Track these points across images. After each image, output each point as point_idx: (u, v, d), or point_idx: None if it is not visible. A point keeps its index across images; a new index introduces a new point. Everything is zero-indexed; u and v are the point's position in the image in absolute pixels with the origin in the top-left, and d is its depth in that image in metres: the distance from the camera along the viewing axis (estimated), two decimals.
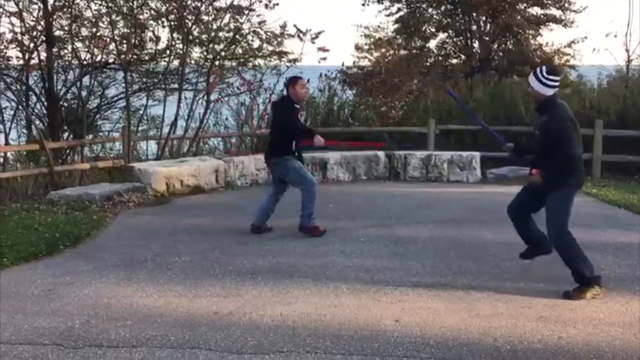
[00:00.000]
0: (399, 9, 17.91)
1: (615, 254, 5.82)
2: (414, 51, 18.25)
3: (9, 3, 11.78)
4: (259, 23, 11.90)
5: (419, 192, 9.22)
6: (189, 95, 12.09)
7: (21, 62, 11.44)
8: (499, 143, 5.30)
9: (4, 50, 11.19)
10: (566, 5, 17.19)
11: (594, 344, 3.79)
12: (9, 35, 11.17)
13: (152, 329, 3.95)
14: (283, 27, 12.09)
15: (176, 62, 12.25)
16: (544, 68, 4.70)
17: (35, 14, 11.45)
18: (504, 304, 4.43)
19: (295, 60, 12.35)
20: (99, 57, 11.70)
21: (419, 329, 3.98)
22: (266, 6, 11.56)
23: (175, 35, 11.85)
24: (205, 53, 12.05)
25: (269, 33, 12.15)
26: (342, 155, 10.59)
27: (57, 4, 11.33)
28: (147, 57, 12.31)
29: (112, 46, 11.37)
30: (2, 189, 9.26)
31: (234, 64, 12.61)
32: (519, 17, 17.00)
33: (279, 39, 12.23)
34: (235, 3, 11.42)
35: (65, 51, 11.84)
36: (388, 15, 18.08)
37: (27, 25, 11.24)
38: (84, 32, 11.94)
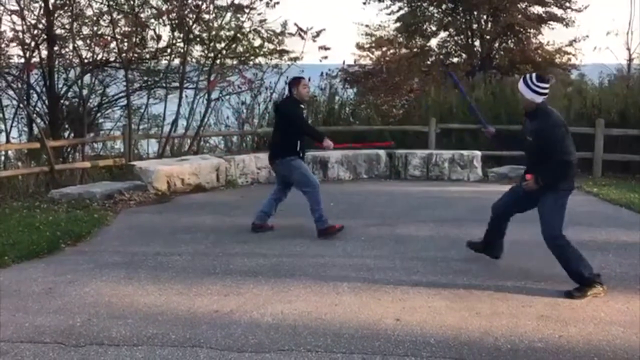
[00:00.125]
0: (400, 8, 17.90)
1: (616, 253, 5.82)
2: (415, 50, 18.25)
3: (10, 1, 11.82)
4: (260, 21, 11.88)
5: (420, 191, 9.22)
6: (189, 94, 12.08)
7: (22, 60, 11.44)
8: (481, 125, 5.46)
9: (5, 49, 11.19)
10: (567, 4, 17.18)
11: (594, 343, 3.79)
12: (10, 34, 11.17)
13: (153, 328, 3.96)
14: (284, 25, 12.08)
15: (177, 61, 12.25)
16: (533, 76, 4.77)
17: (36, 13, 11.45)
18: (505, 303, 4.43)
19: (296, 59, 12.34)
20: (100, 56, 11.70)
21: (420, 327, 3.98)
22: (267, 4, 11.54)
23: (176, 33, 11.84)
24: (206, 51, 12.05)
25: (270, 31, 12.14)
26: (343, 154, 10.59)
27: (58, 2, 11.32)
28: (148, 56, 12.29)
29: (113, 44, 11.36)
30: (3, 187, 9.27)
31: (235, 62, 12.59)
32: (520, 16, 16.99)
33: (279, 38, 12.21)
34: (236, 2, 11.40)
35: (66, 49, 11.84)
36: (389, 14, 18.08)
37: (28, 23, 11.24)
38: (85, 30, 11.93)
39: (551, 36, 26.70)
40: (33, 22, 11.36)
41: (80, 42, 11.66)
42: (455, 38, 18.31)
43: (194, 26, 11.47)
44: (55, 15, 11.43)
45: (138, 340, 3.78)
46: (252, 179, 9.90)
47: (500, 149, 5.18)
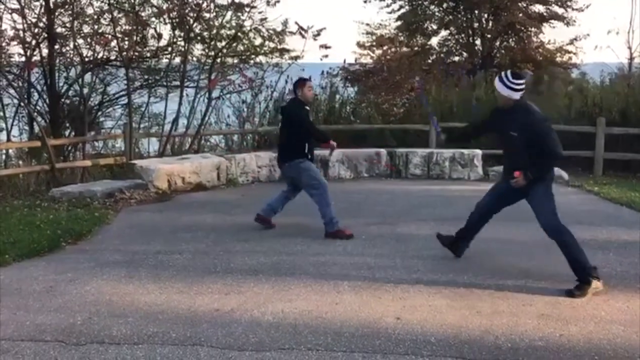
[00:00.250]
0: (400, 6, 17.90)
1: (617, 251, 5.82)
2: (416, 48, 18.24)
3: (11, 0, 11.79)
4: (261, 20, 11.88)
5: (421, 190, 9.22)
6: (190, 93, 12.09)
7: (23, 59, 11.44)
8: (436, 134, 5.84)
9: (6, 47, 11.20)
10: (568, 2, 17.17)
11: (595, 341, 3.79)
12: (10, 32, 11.19)
13: (154, 326, 3.96)
14: (285, 24, 12.07)
15: (178, 59, 12.25)
16: (508, 74, 4.92)
17: (37, 11, 11.46)
18: (505, 302, 4.43)
19: (297, 58, 12.33)
20: (100, 54, 11.71)
21: (420, 326, 3.98)
22: (267, 3, 11.54)
23: (176, 32, 11.84)
24: (207, 50, 12.05)
25: (270, 30, 12.14)
26: (344, 153, 10.58)
27: (58, 1, 11.32)
28: (148, 54, 12.29)
29: (113, 43, 11.36)
30: (4, 186, 9.28)
31: (235, 61, 12.59)
32: (521, 15, 16.98)
33: (280, 36, 12.21)
34: (236, 0, 11.40)
35: (67, 48, 11.84)
36: (390, 13, 18.07)
37: (29, 21, 11.25)
38: (86, 29, 11.94)
39: (552, 35, 26.67)
40: (34, 20, 11.37)
41: (80, 41, 11.67)
42: (456, 37, 18.30)
43: (194, 25, 11.47)
44: (56, 13, 11.43)
45: (139, 338, 3.78)
46: (252, 178, 9.90)
47: (458, 143, 5.80)
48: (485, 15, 17.50)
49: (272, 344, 3.70)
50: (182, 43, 11.78)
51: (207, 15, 11.61)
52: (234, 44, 12.21)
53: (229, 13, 11.74)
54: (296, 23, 12.07)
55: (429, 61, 17.98)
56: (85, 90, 11.94)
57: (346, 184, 9.96)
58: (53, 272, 5.10)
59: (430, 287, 4.74)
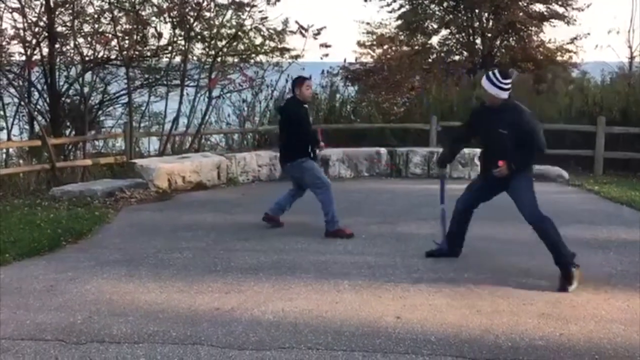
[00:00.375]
0: (401, 5, 17.91)
1: (617, 251, 5.82)
2: (416, 47, 18.24)
3: None
4: (261, 19, 11.89)
5: (421, 189, 9.21)
6: (191, 92, 12.10)
7: (23, 58, 11.45)
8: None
9: (6, 46, 11.21)
10: (569, 1, 17.17)
11: (595, 341, 3.78)
12: (11, 31, 11.20)
13: (154, 325, 3.96)
14: (285, 23, 12.07)
15: (178, 59, 12.25)
16: (497, 73, 4.98)
17: (37, 10, 11.47)
18: (505, 301, 4.43)
19: (297, 57, 12.33)
20: (101, 53, 11.72)
21: (421, 325, 3.98)
22: (268, 2, 11.54)
23: (177, 31, 11.84)
24: (207, 49, 12.05)
25: (271, 29, 12.14)
26: (344, 152, 10.59)
27: (59, 0, 11.33)
28: (149, 54, 12.30)
29: (114, 42, 11.37)
30: (4, 185, 9.29)
31: (236, 60, 12.60)
32: (521, 14, 16.98)
33: (280, 36, 12.21)
34: None
35: (68, 47, 11.85)
36: (390, 12, 18.08)
37: (29, 21, 11.25)
38: (86, 28, 11.96)
39: (552, 34, 26.67)
40: (34, 19, 11.37)
41: (81, 40, 11.68)
42: (457, 36, 18.31)
43: (195, 24, 11.48)
44: (57, 12, 11.44)
45: (139, 337, 3.78)
46: (253, 177, 9.90)
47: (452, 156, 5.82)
48: (486, 14, 17.51)
49: (273, 343, 3.70)
50: (183, 42, 11.79)
51: (207, 14, 11.62)
52: (235, 43, 12.21)
53: (230, 12, 11.75)
54: (296, 22, 12.09)
55: (430, 60, 17.99)
56: (86, 90, 11.95)
57: (346, 183, 9.96)
58: (53, 271, 5.10)
59: (430, 286, 4.74)
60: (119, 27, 11.37)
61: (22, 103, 11.58)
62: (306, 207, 6.62)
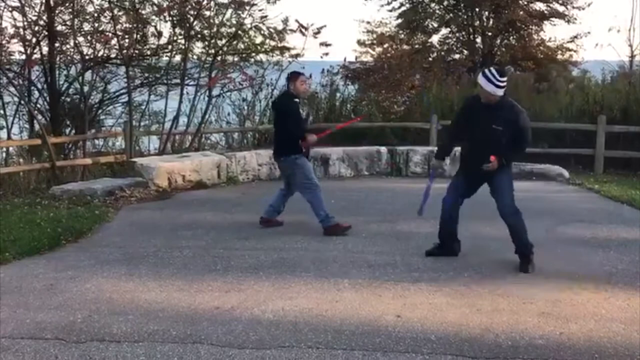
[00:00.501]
0: (401, 4, 17.90)
1: (618, 249, 5.81)
2: (417, 46, 18.23)
3: None
4: (261, 18, 11.88)
5: (421, 188, 9.11)
6: (190, 91, 12.10)
7: (23, 56, 11.45)
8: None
9: (6, 45, 11.20)
10: (569, 0, 17.16)
11: (595, 339, 3.78)
12: (11, 30, 11.20)
13: (154, 324, 3.96)
14: (285, 22, 12.06)
15: (178, 58, 12.25)
16: (493, 71, 5.04)
17: (37, 9, 11.46)
18: (506, 300, 4.42)
19: (297, 56, 12.33)
20: (101, 52, 11.71)
21: (421, 324, 3.98)
22: (268, 1, 11.56)
23: (177, 30, 11.85)
24: (207, 48, 12.04)
25: (271, 28, 12.13)
26: (344, 150, 10.58)
27: None
28: (149, 52, 12.30)
29: (114, 41, 11.36)
30: (4, 184, 9.28)
31: (236, 59, 12.59)
32: (521, 13, 16.97)
33: (281, 34, 12.20)
34: None
35: (67, 46, 11.85)
36: (390, 11, 18.08)
37: (29, 19, 11.25)
38: (86, 27, 11.95)
39: (553, 33, 26.67)
40: (34, 18, 11.37)
41: (81, 39, 11.68)
42: (457, 34, 18.31)
43: (194, 23, 11.47)
44: (56, 11, 11.43)
45: (139, 336, 3.78)
46: (253, 176, 9.89)
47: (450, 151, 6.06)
48: (486, 13, 17.50)
49: (273, 342, 3.70)
50: (183, 41, 11.79)
51: (207, 13, 11.62)
52: (235, 42, 12.21)
53: (229, 11, 11.74)
54: (296, 21, 12.11)
55: (430, 59, 17.98)
56: (86, 88, 11.93)
57: (346, 182, 9.96)
58: (53, 270, 5.09)
59: (430, 285, 4.74)
60: (119, 26, 11.36)
61: (22, 102, 11.57)
62: (306, 206, 6.60)
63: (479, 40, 17.85)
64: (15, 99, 11.77)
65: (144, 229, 6.55)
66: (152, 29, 11.99)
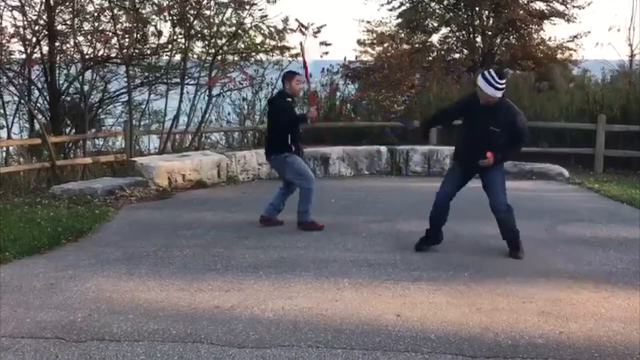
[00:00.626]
0: (401, 4, 17.90)
1: (618, 249, 5.81)
2: (417, 46, 18.23)
3: None
4: (261, 17, 11.88)
5: (421, 187, 9.19)
6: (191, 90, 12.10)
7: (23, 56, 11.45)
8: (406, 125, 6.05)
9: (6, 45, 11.20)
10: (569, 0, 17.16)
11: (595, 339, 3.79)
12: (11, 30, 11.20)
13: (154, 323, 3.96)
14: (285, 21, 12.06)
15: (178, 57, 12.25)
16: (493, 73, 5.12)
17: (37, 8, 11.46)
18: (505, 299, 4.43)
19: (297, 55, 12.30)
20: (101, 52, 11.71)
21: (420, 323, 3.98)
22: (268, 0, 11.55)
23: (177, 29, 11.85)
24: (207, 47, 12.04)
25: (271, 27, 12.13)
26: (344, 150, 10.59)
27: None
28: (149, 52, 12.30)
29: (114, 40, 11.36)
30: (4, 183, 9.28)
31: (236, 58, 12.59)
32: (521, 12, 16.96)
33: (281, 34, 12.20)
34: None
35: (67, 45, 11.85)
36: (390, 10, 18.08)
37: (29, 19, 11.25)
38: (86, 26, 11.94)
39: (553, 32, 26.65)
40: (34, 17, 11.37)
41: (81, 38, 11.68)
42: (457, 34, 18.31)
43: (195, 22, 11.47)
44: (56, 11, 11.44)
45: (139, 335, 3.78)
46: (253, 175, 9.89)
47: (428, 128, 6.79)
48: (486, 12, 17.50)
49: (273, 341, 3.71)
50: (183, 40, 11.79)
51: (207, 12, 11.62)
52: (235, 42, 12.21)
53: (229, 10, 11.74)
54: (296, 20, 12.11)
55: (430, 58, 17.97)
56: (86, 88, 11.94)
57: (346, 181, 9.96)
58: (53, 269, 5.10)
59: (430, 284, 4.74)
60: (119, 26, 11.36)
61: (22, 101, 11.57)
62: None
63: (479, 39, 17.85)
64: (16, 98, 11.77)
65: (144, 229, 6.56)
66: (152, 29, 12.02)
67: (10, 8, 11.17)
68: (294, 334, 3.80)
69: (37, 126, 11.51)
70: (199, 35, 11.94)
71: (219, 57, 11.93)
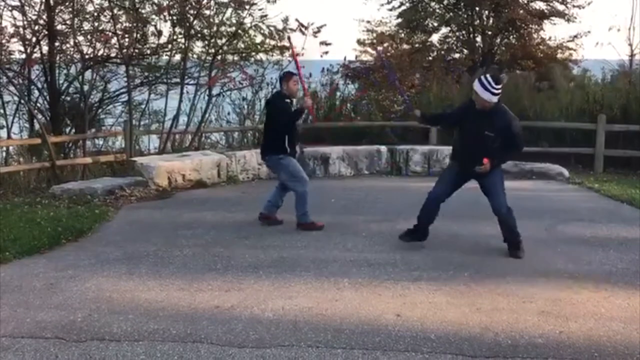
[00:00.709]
0: (401, 3, 17.88)
1: (618, 249, 5.82)
2: (417, 45, 18.22)
3: None
4: (261, 17, 11.87)
5: (421, 187, 9.14)
6: (190, 90, 12.09)
7: (23, 56, 11.44)
8: (406, 108, 6.40)
9: (6, 44, 11.19)
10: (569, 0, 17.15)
11: (595, 338, 3.79)
12: (10, 29, 11.18)
13: (154, 323, 3.96)
14: (285, 21, 12.05)
15: (178, 57, 12.24)
16: (489, 79, 5.19)
17: (37, 8, 11.44)
18: (505, 299, 4.43)
19: (297, 55, 12.29)
20: (101, 52, 11.69)
21: (420, 323, 3.99)
22: (268, 0, 11.54)
23: (177, 29, 11.84)
24: (207, 47, 12.04)
25: (271, 27, 12.12)
26: (344, 150, 10.59)
27: None
28: (149, 52, 12.28)
29: (114, 40, 11.35)
30: (4, 183, 9.28)
31: (236, 58, 12.58)
32: (521, 12, 16.95)
33: (281, 34, 12.19)
34: None
35: (67, 45, 11.83)
36: (390, 10, 18.06)
37: (29, 19, 11.24)
38: (86, 26, 11.93)
39: (553, 31, 26.65)
40: (34, 17, 11.36)
41: (81, 38, 11.67)
42: (457, 33, 18.29)
43: (194, 22, 11.46)
44: (56, 10, 11.42)
45: (139, 335, 3.79)
46: (253, 175, 9.90)
47: (426, 125, 7.15)
48: (486, 12, 17.48)
49: (272, 341, 3.71)
50: (183, 40, 11.78)
51: (207, 12, 11.61)
52: (235, 41, 12.20)
53: (229, 10, 11.72)
54: (296, 20, 12.09)
55: (430, 58, 17.96)
56: (86, 88, 11.93)
57: (346, 181, 9.96)
58: (53, 269, 5.10)
59: (430, 284, 4.74)
60: (118, 25, 11.35)
61: (22, 101, 11.56)
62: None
63: (479, 39, 17.83)
64: (15, 98, 11.76)
65: (144, 228, 6.56)
66: (152, 28, 12.00)
67: (10, 8, 11.17)
68: (294, 334, 3.80)
69: (37, 126, 11.50)
70: (199, 35, 11.93)
71: (219, 57, 11.93)
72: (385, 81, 14.09)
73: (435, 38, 18.49)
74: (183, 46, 11.77)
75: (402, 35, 18.48)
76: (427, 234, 5.80)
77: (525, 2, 17.40)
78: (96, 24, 11.71)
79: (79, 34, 11.59)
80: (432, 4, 17.97)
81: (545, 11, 17.40)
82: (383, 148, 10.82)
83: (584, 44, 24.30)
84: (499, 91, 5.19)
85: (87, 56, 11.58)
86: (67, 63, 12.00)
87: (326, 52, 12.40)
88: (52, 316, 4.07)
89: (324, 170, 10.33)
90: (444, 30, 18.28)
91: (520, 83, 13.20)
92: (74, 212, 7.15)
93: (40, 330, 3.85)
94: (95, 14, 11.62)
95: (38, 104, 12.01)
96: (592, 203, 8.12)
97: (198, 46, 12.32)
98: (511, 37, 17.80)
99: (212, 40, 11.83)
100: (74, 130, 12.13)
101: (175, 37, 11.95)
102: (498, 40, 17.90)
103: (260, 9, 11.72)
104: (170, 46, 12.14)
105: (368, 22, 19.15)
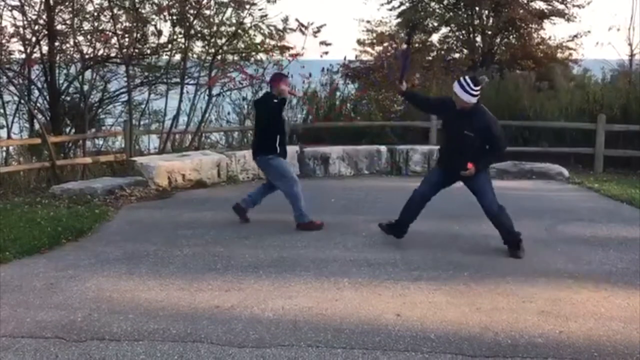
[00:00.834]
0: (401, 3, 17.89)
1: (617, 248, 5.82)
2: (417, 45, 18.21)
3: None
4: (261, 17, 11.88)
5: None
6: (190, 90, 12.09)
7: (23, 56, 11.44)
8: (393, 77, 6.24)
9: (6, 44, 11.20)
10: None
11: (595, 338, 3.79)
12: (10, 29, 11.19)
13: (154, 323, 3.96)
14: (285, 21, 12.06)
15: (178, 57, 12.24)
16: (468, 80, 5.32)
17: (36, 8, 11.45)
18: (505, 299, 4.43)
19: (297, 55, 12.32)
20: (100, 51, 11.70)
21: (420, 323, 3.99)
22: (268, 0, 11.55)
23: (177, 29, 11.84)
24: (207, 47, 12.04)
25: (271, 27, 12.13)
26: (344, 149, 10.59)
27: None
28: (149, 51, 12.29)
29: (114, 40, 11.36)
30: (4, 183, 9.29)
31: (236, 58, 12.59)
32: (521, 11, 16.95)
33: (280, 34, 12.20)
34: None
35: (67, 45, 11.84)
36: (390, 10, 18.07)
37: (29, 19, 11.24)
38: (86, 26, 11.94)
39: (553, 31, 26.65)
40: (34, 17, 11.36)
41: (81, 38, 11.68)
42: (457, 33, 18.29)
43: (194, 22, 11.47)
44: (56, 10, 11.43)
45: (139, 335, 3.79)
46: (253, 175, 9.89)
47: (404, 98, 7.10)
48: (486, 12, 17.48)
49: (272, 341, 3.71)
50: (183, 40, 11.79)
51: (207, 12, 11.61)
52: (234, 41, 12.20)
53: (229, 10, 11.74)
54: (296, 20, 12.09)
55: (430, 58, 17.96)
56: (86, 88, 11.93)
57: (346, 180, 9.96)
58: (53, 269, 5.10)
59: (430, 283, 4.75)
60: (118, 25, 11.36)
61: (22, 101, 11.57)
62: (305, 205, 6.61)
63: (478, 39, 17.83)
64: (15, 98, 11.77)
65: (144, 228, 6.56)
66: (152, 28, 12.01)
67: (10, 8, 11.18)
68: (293, 334, 3.81)
69: (37, 126, 11.51)
70: (199, 35, 11.93)
71: (219, 57, 11.93)
72: (385, 81, 14.10)
73: (435, 38, 18.51)
74: (183, 46, 11.77)
75: (402, 35, 18.46)
76: (405, 232, 5.87)
77: (525, 1, 17.40)
78: (96, 23, 11.72)
79: (78, 33, 11.60)
80: (432, 4, 17.98)
81: (545, 11, 17.40)
82: (383, 148, 10.82)
83: (584, 44, 24.32)
84: (478, 92, 5.32)
85: (87, 56, 11.58)
86: (67, 63, 12.01)
87: (326, 52, 12.41)
88: (52, 316, 4.07)
89: (323, 170, 10.34)
90: (444, 30, 18.30)
91: (520, 83, 13.20)
92: (74, 212, 7.15)
93: (40, 330, 3.85)
94: (95, 13, 11.63)
95: (38, 104, 12.02)
96: (592, 203, 8.12)
97: (198, 46, 12.34)
98: (511, 36, 17.80)
99: (212, 40, 11.83)
100: (74, 130, 12.14)
101: (175, 37, 11.96)
102: (498, 40, 17.90)
103: (260, 9, 11.75)
104: (170, 46, 12.15)
105: (368, 22, 19.17)
